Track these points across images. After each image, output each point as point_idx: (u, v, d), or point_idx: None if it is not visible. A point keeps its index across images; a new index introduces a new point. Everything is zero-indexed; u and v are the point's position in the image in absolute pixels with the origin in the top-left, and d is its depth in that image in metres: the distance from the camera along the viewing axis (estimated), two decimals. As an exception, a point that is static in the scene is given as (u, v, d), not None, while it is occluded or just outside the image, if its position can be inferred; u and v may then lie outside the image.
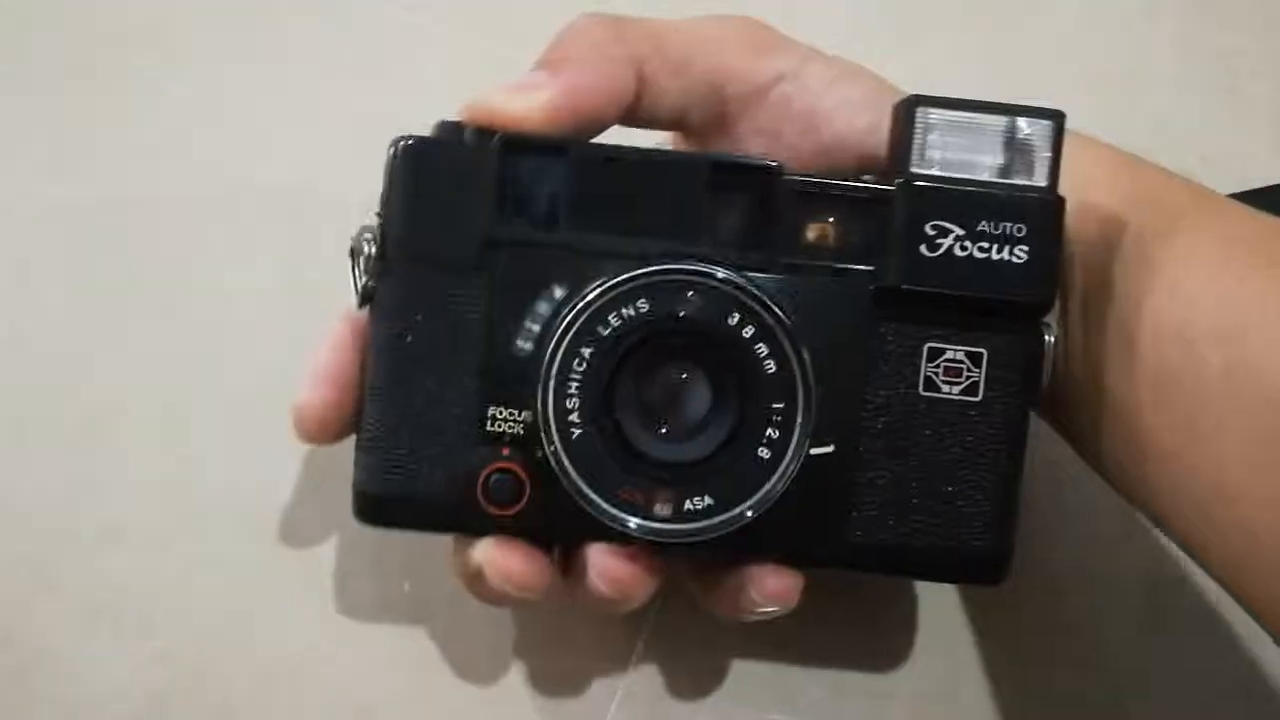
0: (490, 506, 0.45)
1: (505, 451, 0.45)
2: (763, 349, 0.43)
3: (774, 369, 0.43)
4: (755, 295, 0.43)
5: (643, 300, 0.43)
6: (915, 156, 0.44)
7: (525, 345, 0.45)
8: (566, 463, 0.44)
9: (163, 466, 0.60)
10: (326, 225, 0.56)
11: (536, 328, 0.44)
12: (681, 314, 0.43)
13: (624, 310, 0.43)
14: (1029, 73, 0.65)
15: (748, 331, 0.44)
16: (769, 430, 0.43)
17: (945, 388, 0.45)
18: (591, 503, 0.44)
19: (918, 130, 0.44)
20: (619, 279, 0.43)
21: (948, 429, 0.45)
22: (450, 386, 0.45)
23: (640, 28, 0.47)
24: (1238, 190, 0.61)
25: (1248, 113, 0.66)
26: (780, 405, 0.43)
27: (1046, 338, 0.45)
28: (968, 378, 0.45)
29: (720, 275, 0.43)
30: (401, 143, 0.45)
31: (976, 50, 0.66)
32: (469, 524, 0.46)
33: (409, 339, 0.45)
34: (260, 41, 0.65)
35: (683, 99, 0.48)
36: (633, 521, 0.44)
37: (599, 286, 0.43)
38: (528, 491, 0.45)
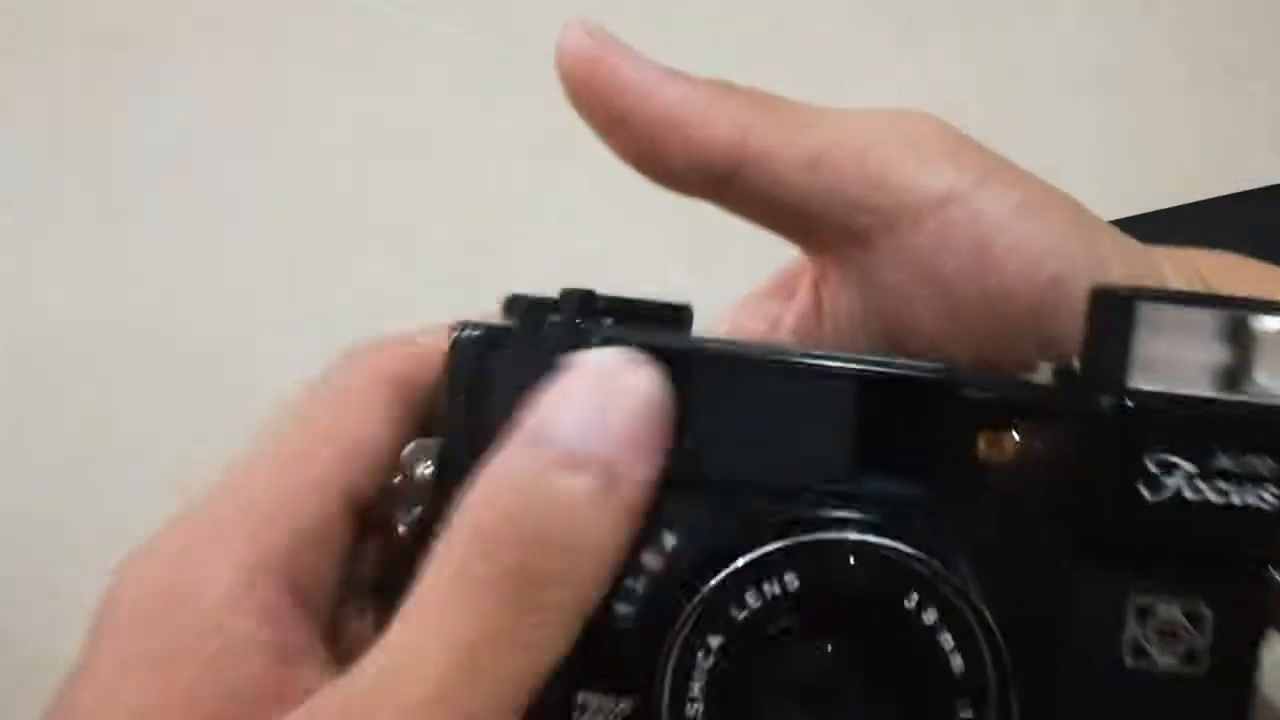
0: None
1: None
2: (948, 640, 0.33)
3: (962, 667, 0.33)
4: (940, 574, 0.33)
5: (791, 574, 0.33)
6: (1134, 366, 0.34)
7: (626, 610, 0.34)
8: None
9: (163, 466, 0.60)
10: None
11: (640, 588, 0.34)
12: (848, 593, 0.33)
13: (767, 588, 0.33)
14: (1030, 72, 0.65)
15: (929, 617, 0.33)
16: None
17: (1158, 657, 0.35)
18: None
19: (1140, 332, 0.34)
20: (769, 547, 0.33)
21: (1160, 710, 0.35)
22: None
23: (756, 95, 0.38)
24: (1238, 190, 0.61)
25: (1248, 112, 0.66)
26: (968, 713, 0.33)
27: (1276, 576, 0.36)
28: (1185, 643, 0.35)
29: (896, 546, 0.33)
30: (465, 333, 0.35)
31: (977, 50, 0.66)
32: None
33: None
34: (261, 39, 0.65)
35: (808, 198, 0.38)
36: None
37: (740, 546, 0.33)
38: None
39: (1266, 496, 0.33)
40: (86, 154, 0.64)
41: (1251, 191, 0.62)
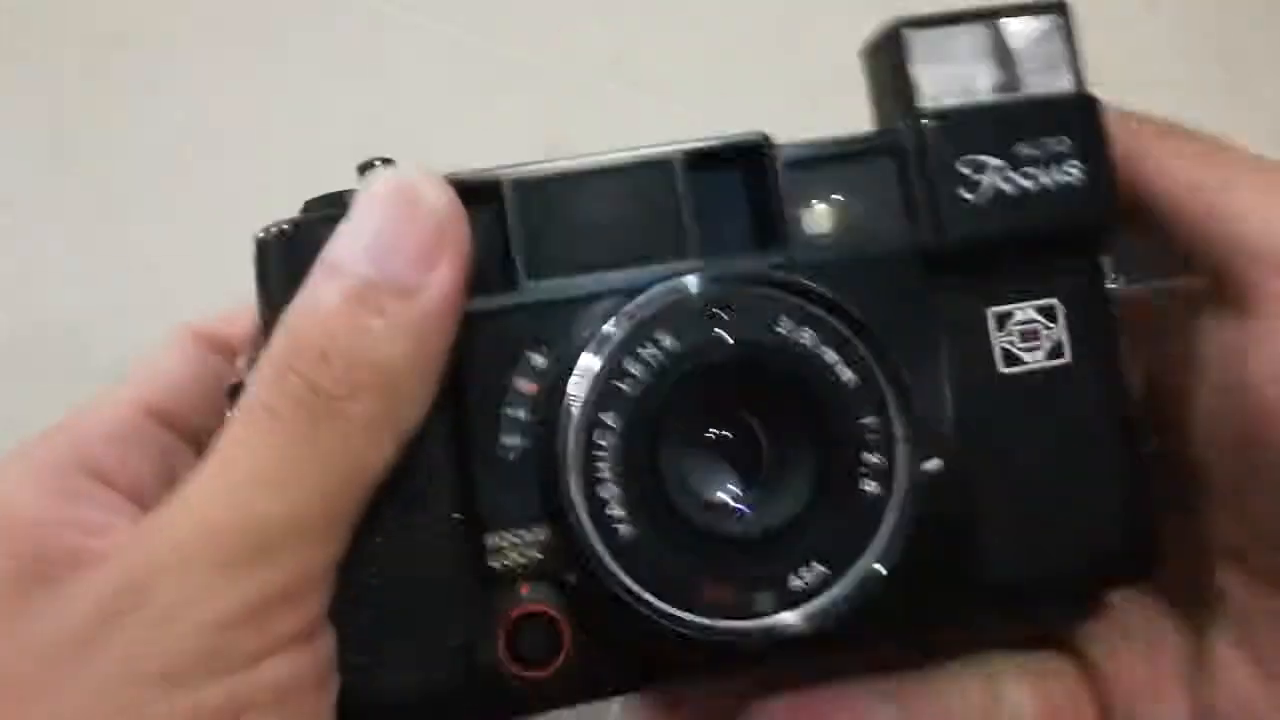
0: (520, 670, 0.32)
1: (524, 590, 0.32)
2: (831, 355, 0.33)
3: (852, 378, 0.33)
4: (804, 289, 0.33)
5: (663, 334, 0.32)
6: (917, 88, 0.35)
7: (512, 441, 0.33)
8: (620, 573, 0.31)
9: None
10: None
11: (521, 413, 0.33)
12: (723, 336, 0.32)
13: (644, 352, 0.32)
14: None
15: (805, 338, 0.33)
16: (867, 455, 0.33)
17: (1026, 357, 0.36)
18: (666, 619, 0.31)
19: (913, 57, 0.35)
20: (626, 315, 0.32)
21: (1044, 407, 0.35)
22: (423, 526, 0.32)
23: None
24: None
25: (1250, 112, 0.66)
26: (872, 419, 0.33)
27: (1110, 275, 0.37)
28: (1047, 338, 0.36)
29: (752, 274, 0.33)
30: (273, 231, 0.34)
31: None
32: (498, 707, 0.33)
33: None
34: (260, 38, 0.65)
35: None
36: (730, 627, 0.31)
37: (601, 333, 0.32)
38: (568, 635, 0.32)
39: (1072, 170, 0.35)
40: (86, 153, 0.64)
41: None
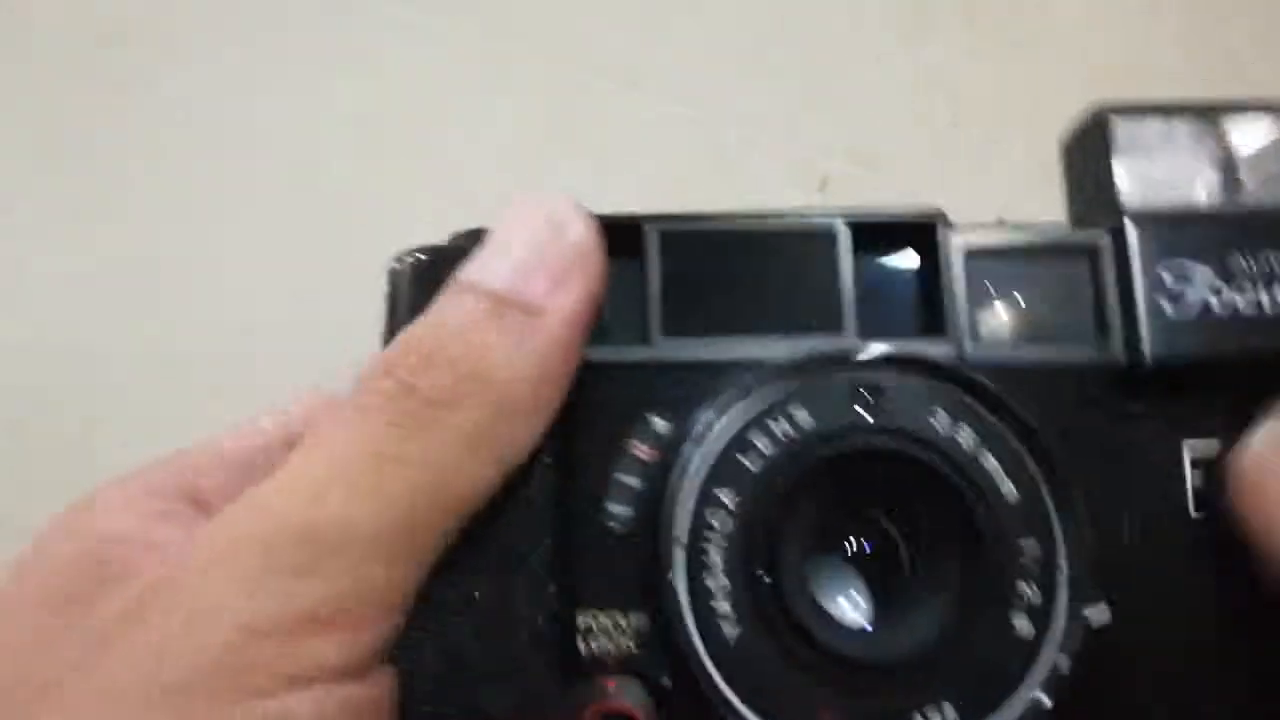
0: None
1: (610, 685, 0.28)
2: (991, 462, 0.28)
3: (1013, 492, 0.28)
4: (969, 382, 0.29)
5: (799, 409, 0.28)
6: (1121, 185, 0.31)
7: (620, 510, 0.29)
8: (719, 681, 0.27)
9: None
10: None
11: (634, 481, 0.29)
12: (868, 420, 0.29)
13: (775, 426, 0.28)
14: (1033, 71, 0.64)
15: (965, 438, 0.29)
16: (1022, 586, 0.28)
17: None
18: None
19: (1119, 149, 0.32)
20: (763, 383, 0.29)
21: (1239, 564, 0.30)
22: (514, 592, 0.29)
23: None
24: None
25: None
26: (1032, 544, 0.28)
27: None
28: None
29: (910, 357, 0.29)
30: (408, 260, 0.32)
31: (979, 49, 0.65)
32: None
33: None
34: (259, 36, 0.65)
35: None
36: None
37: (733, 402, 0.29)
38: None
39: None
40: (83, 153, 0.63)
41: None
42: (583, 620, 0.29)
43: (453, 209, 0.64)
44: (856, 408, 0.29)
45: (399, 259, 0.32)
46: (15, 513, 0.59)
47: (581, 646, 0.29)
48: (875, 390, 0.29)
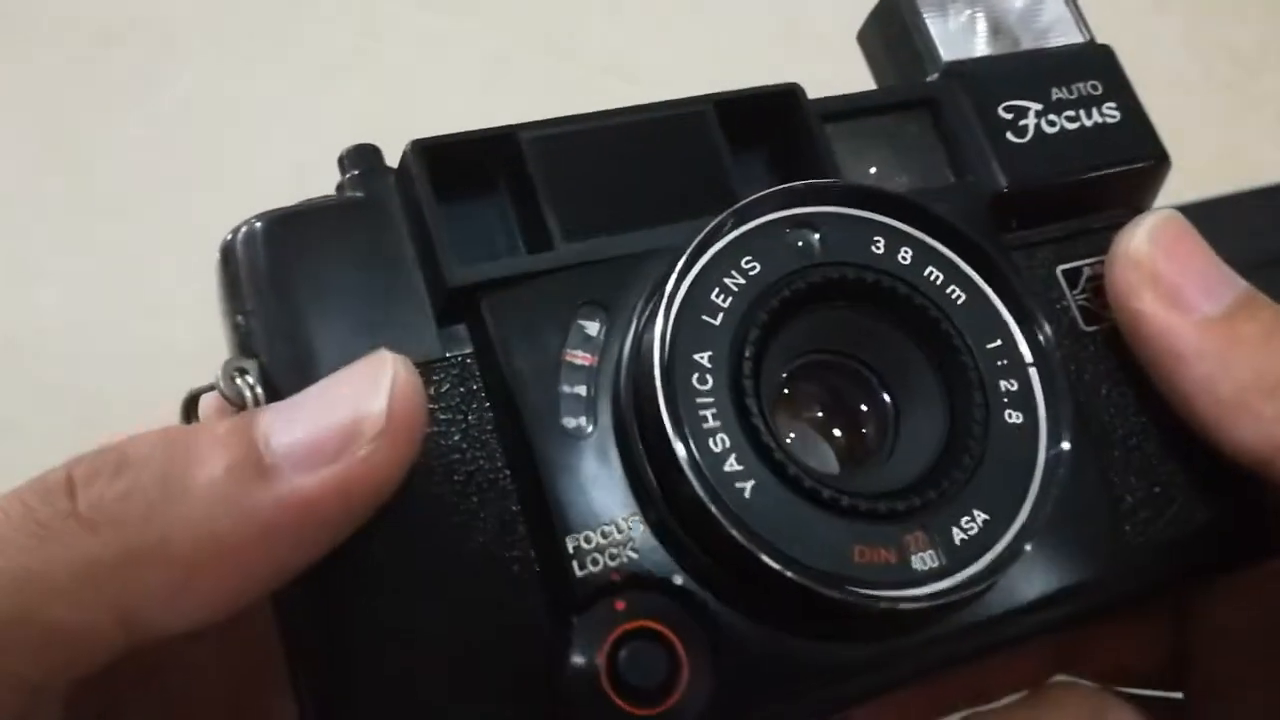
0: (633, 706, 0.25)
1: (620, 606, 0.26)
2: (939, 276, 0.29)
3: (966, 300, 0.29)
4: (899, 203, 0.30)
5: (748, 260, 0.28)
6: (933, 44, 0.34)
7: (579, 422, 0.27)
8: (745, 541, 0.25)
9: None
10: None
11: (582, 390, 0.27)
12: (819, 257, 0.28)
13: (730, 281, 0.27)
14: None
15: (910, 259, 0.29)
16: (1003, 382, 0.28)
17: (1105, 313, 0.33)
18: (821, 582, 0.25)
19: (923, 14, 0.34)
20: (697, 251, 0.28)
21: (1130, 363, 0.32)
22: (480, 541, 0.26)
23: None
24: (1243, 189, 0.61)
25: (1255, 110, 0.65)
26: (998, 343, 0.29)
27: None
28: None
29: (838, 190, 0.29)
30: (256, 225, 0.30)
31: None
32: None
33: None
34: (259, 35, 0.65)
35: None
36: (903, 594, 0.26)
37: (673, 276, 0.27)
38: (685, 656, 0.25)
39: (1110, 112, 0.34)
40: (81, 152, 0.63)
41: (1264, 188, 0.61)
42: (571, 545, 0.26)
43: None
44: (799, 246, 0.28)
45: (233, 231, 0.31)
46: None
47: (580, 569, 0.26)
48: (811, 229, 0.29)
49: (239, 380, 0.28)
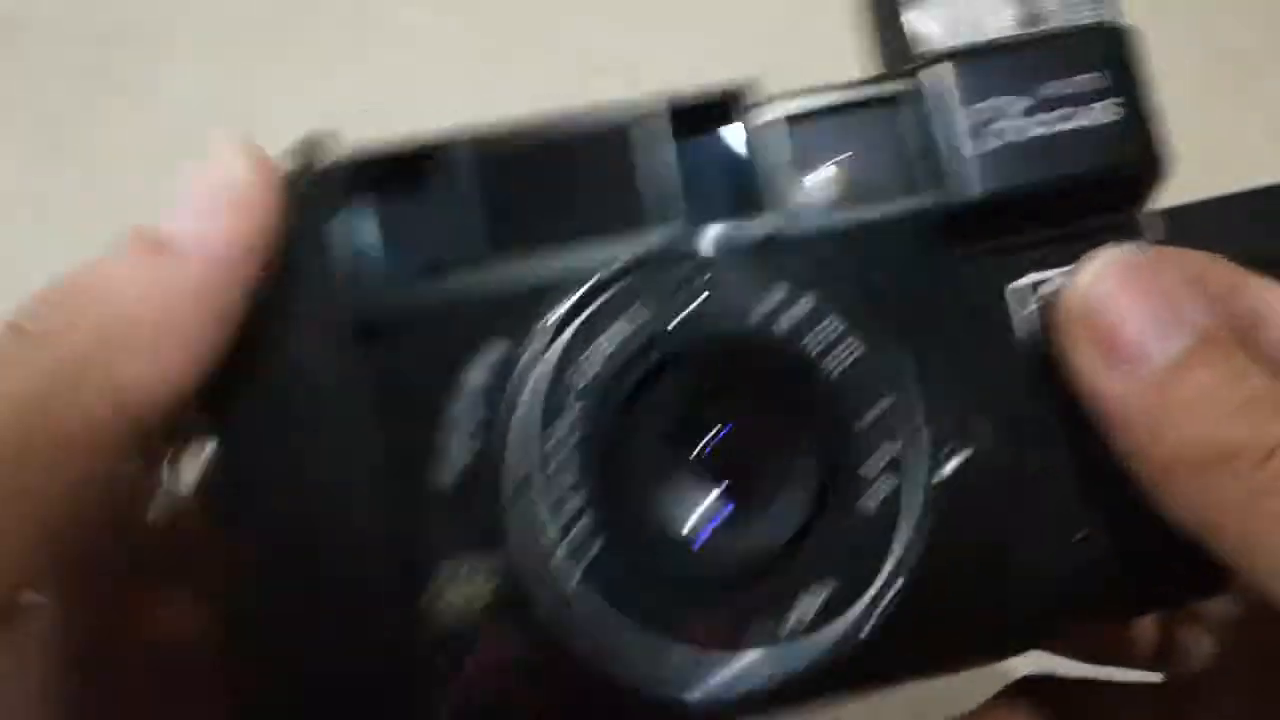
0: None
1: (483, 636, 0.27)
2: (828, 335, 0.28)
3: (855, 361, 0.28)
4: (789, 261, 0.28)
5: (624, 319, 0.27)
6: (917, 32, 0.31)
7: (460, 449, 0.27)
8: (586, 604, 0.26)
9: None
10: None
11: (473, 416, 0.27)
12: (696, 319, 0.27)
13: (604, 340, 0.27)
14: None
15: (796, 316, 0.28)
16: (878, 451, 0.28)
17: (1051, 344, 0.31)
18: (652, 651, 0.26)
19: None
20: (587, 295, 0.27)
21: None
22: (355, 570, 0.27)
23: None
24: (1242, 189, 0.61)
25: (1254, 111, 0.65)
26: (879, 410, 0.28)
27: (1156, 222, 0.32)
28: None
29: (730, 244, 0.28)
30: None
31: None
32: None
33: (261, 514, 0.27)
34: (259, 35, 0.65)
35: None
36: (719, 677, 0.26)
37: (558, 317, 0.27)
38: (534, 695, 0.27)
39: (1111, 108, 0.30)
40: (82, 151, 0.63)
41: (1262, 189, 0.62)
42: (436, 576, 0.27)
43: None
44: (686, 301, 0.28)
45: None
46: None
47: (438, 606, 0.26)
48: (703, 279, 0.28)
49: None
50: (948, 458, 0.28)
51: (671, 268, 0.28)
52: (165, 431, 0.29)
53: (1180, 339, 0.28)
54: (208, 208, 0.29)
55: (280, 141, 0.62)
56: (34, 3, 0.64)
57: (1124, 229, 0.31)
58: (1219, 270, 0.33)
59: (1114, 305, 0.28)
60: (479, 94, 0.64)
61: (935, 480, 0.28)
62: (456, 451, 0.27)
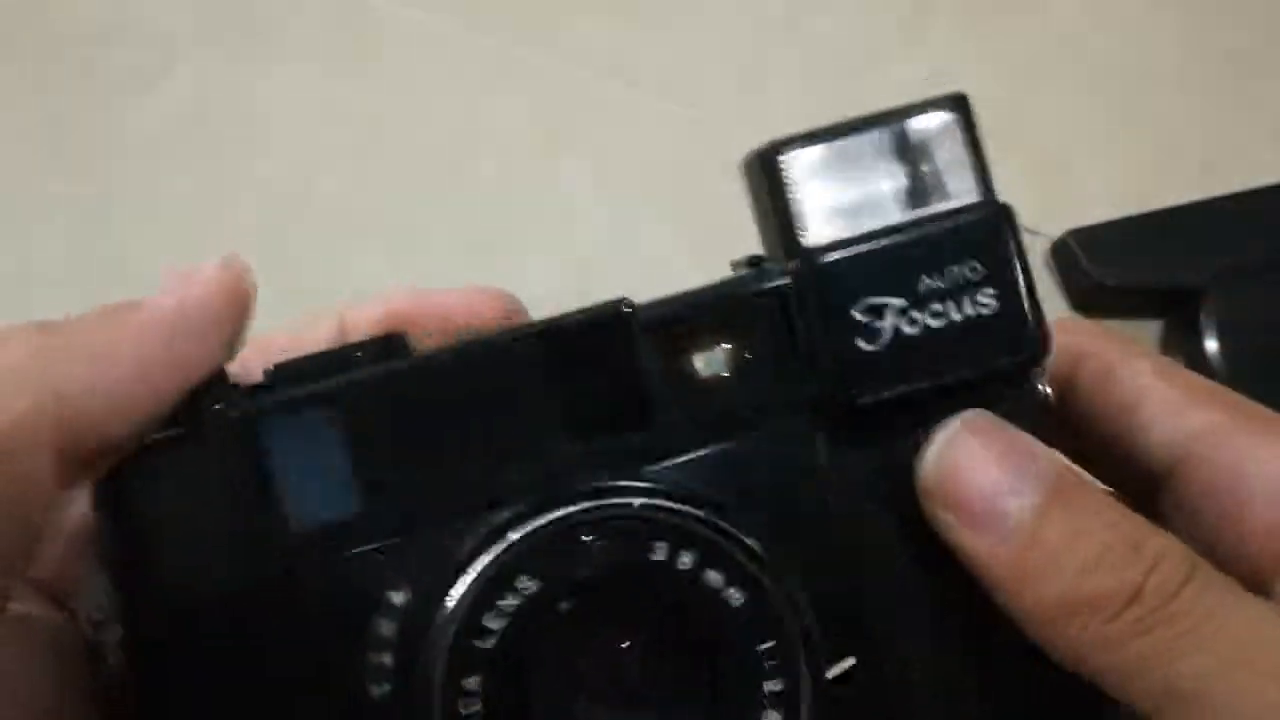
0: None
1: None
2: (715, 577, 0.29)
3: (741, 600, 0.29)
4: (680, 513, 0.29)
5: (522, 578, 0.28)
6: (802, 223, 0.30)
7: (379, 690, 0.29)
8: None
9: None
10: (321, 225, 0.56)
11: (386, 659, 0.29)
12: (589, 573, 0.29)
13: (504, 604, 0.28)
14: (1033, 73, 0.64)
15: (687, 562, 0.29)
16: (767, 683, 0.29)
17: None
18: None
19: (792, 185, 0.31)
20: (478, 550, 0.29)
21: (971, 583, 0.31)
22: None
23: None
24: (1241, 190, 0.61)
25: (1252, 112, 0.65)
26: (770, 644, 0.29)
27: (1041, 388, 0.32)
28: None
29: (616, 501, 0.29)
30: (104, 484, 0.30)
31: (981, 50, 0.65)
32: None
33: None
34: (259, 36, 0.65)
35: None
36: None
37: (453, 571, 0.29)
38: None
39: (984, 300, 0.30)
40: (81, 151, 0.63)
41: (1258, 190, 0.62)
42: None
43: (453, 207, 0.64)
44: (574, 560, 0.29)
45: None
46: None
47: None
48: (591, 536, 0.29)
49: None
50: (828, 675, 0.29)
51: (550, 531, 0.29)
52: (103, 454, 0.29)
53: (1030, 495, 0.29)
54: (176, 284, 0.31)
55: (280, 141, 0.62)
56: (34, 3, 0.64)
57: (1019, 398, 0.31)
58: (1070, 338, 0.34)
59: (963, 473, 0.29)
60: (479, 95, 0.64)
61: (819, 699, 0.29)
62: (380, 693, 0.29)
